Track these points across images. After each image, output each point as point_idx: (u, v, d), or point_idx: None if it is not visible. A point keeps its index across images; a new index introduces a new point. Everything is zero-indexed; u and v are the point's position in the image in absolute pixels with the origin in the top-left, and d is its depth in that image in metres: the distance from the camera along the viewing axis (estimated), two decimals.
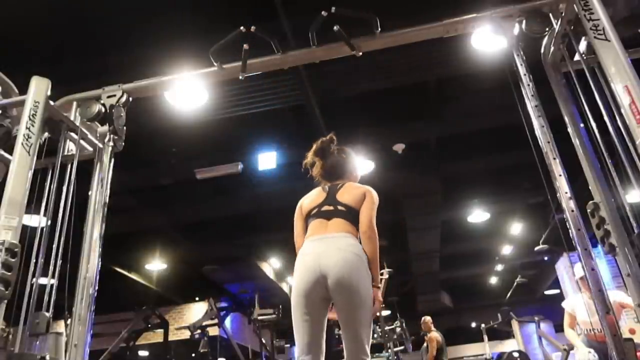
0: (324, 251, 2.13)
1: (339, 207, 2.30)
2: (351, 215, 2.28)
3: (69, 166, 2.73)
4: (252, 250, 9.70)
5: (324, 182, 2.49)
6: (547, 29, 2.68)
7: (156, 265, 9.64)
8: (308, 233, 2.28)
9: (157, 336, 9.86)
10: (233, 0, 4.05)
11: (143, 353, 11.40)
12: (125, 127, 2.99)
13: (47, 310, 2.34)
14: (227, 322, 8.95)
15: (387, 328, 7.47)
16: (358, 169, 2.68)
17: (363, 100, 5.37)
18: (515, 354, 8.01)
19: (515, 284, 13.61)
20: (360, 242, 2.20)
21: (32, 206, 2.42)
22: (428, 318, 8.02)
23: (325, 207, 2.32)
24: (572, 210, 2.38)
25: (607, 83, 2.25)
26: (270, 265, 10.93)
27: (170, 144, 5.93)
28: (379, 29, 2.74)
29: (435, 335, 7.79)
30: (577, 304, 4.38)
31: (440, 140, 6.44)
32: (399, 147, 6.35)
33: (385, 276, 7.84)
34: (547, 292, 14.15)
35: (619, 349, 2.17)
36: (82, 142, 2.84)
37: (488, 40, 2.94)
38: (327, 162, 2.52)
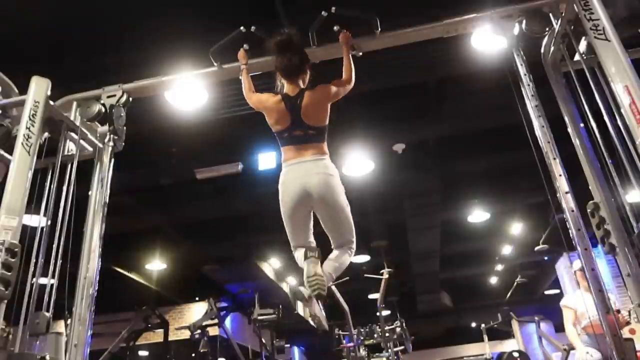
0: (304, 175, 2.43)
1: (309, 132, 2.49)
2: (321, 135, 2.52)
3: (69, 166, 2.73)
4: (252, 250, 9.70)
5: (280, 79, 2.61)
6: (547, 29, 2.69)
7: (156, 265, 9.62)
8: (284, 157, 2.53)
9: (157, 336, 9.84)
10: (233, 0, 4.05)
11: (143, 353, 11.40)
12: (125, 127, 2.99)
13: (47, 310, 2.34)
14: (227, 322, 8.93)
15: (387, 328, 7.47)
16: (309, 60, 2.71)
17: (363, 100, 5.36)
18: (515, 354, 8.01)
19: (515, 284, 13.60)
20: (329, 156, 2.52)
21: (32, 206, 2.42)
22: None
23: (296, 133, 2.49)
24: (572, 210, 2.39)
25: (607, 83, 2.26)
26: (270, 265, 10.93)
27: (170, 144, 5.92)
28: (379, 29, 2.74)
29: None
30: (577, 300, 4.39)
31: (440, 140, 6.43)
32: (399, 147, 6.34)
33: (385, 276, 7.84)
34: (547, 292, 14.13)
35: (619, 349, 2.17)
36: (82, 142, 2.84)
37: (488, 40, 2.94)
38: (286, 58, 2.54)
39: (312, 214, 2.55)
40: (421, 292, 13.39)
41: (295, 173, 2.46)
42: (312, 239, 2.56)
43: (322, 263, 2.39)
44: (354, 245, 2.52)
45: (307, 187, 2.41)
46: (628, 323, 4.14)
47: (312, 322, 2.52)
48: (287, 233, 2.56)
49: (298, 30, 2.62)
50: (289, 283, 12.37)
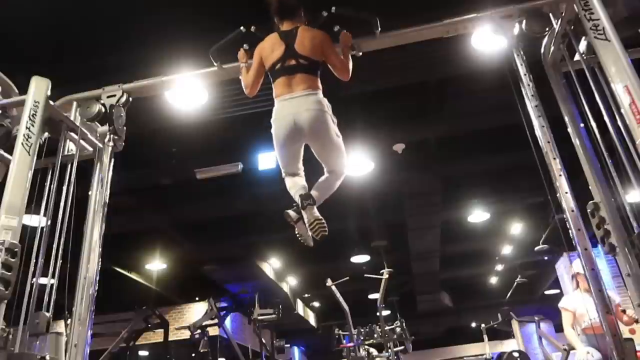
0: (295, 111, 2.50)
1: (301, 61, 2.54)
2: (313, 68, 2.56)
3: (69, 166, 2.73)
4: (252, 250, 9.70)
5: (278, 21, 2.68)
6: (547, 29, 2.69)
7: (156, 265, 9.62)
8: (276, 92, 2.58)
9: (157, 336, 9.84)
10: (233, 0, 4.05)
11: (143, 353, 11.40)
12: (125, 127, 2.99)
13: (47, 310, 2.34)
14: (227, 322, 8.94)
15: (387, 328, 7.47)
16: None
17: (363, 100, 5.36)
18: (515, 354, 7.99)
19: (515, 284, 13.60)
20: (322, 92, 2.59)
21: (32, 206, 2.42)
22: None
23: (288, 62, 2.54)
24: (572, 210, 2.39)
25: (607, 83, 2.26)
26: (270, 265, 10.93)
27: (170, 144, 5.92)
28: (379, 29, 2.74)
29: None
30: (576, 302, 4.39)
31: (440, 140, 6.43)
32: (399, 147, 6.34)
33: (385, 276, 7.84)
34: (547, 292, 14.13)
35: (619, 349, 2.17)
36: (82, 142, 2.85)
37: (488, 40, 2.95)
38: None
39: (302, 145, 2.67)
40: (421, 292, 13.39)
41: (286, 109, 2.53)
42: (300, 164, 2.72)
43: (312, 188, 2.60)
44: (345, 171, 2.69)
45: (299, 123, 2.49)
46: (637, 321, 4.10)
47: (299, 238, 2.69)
48: (279, 160, 2.71)
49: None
50: (289, 283, 12.38)
